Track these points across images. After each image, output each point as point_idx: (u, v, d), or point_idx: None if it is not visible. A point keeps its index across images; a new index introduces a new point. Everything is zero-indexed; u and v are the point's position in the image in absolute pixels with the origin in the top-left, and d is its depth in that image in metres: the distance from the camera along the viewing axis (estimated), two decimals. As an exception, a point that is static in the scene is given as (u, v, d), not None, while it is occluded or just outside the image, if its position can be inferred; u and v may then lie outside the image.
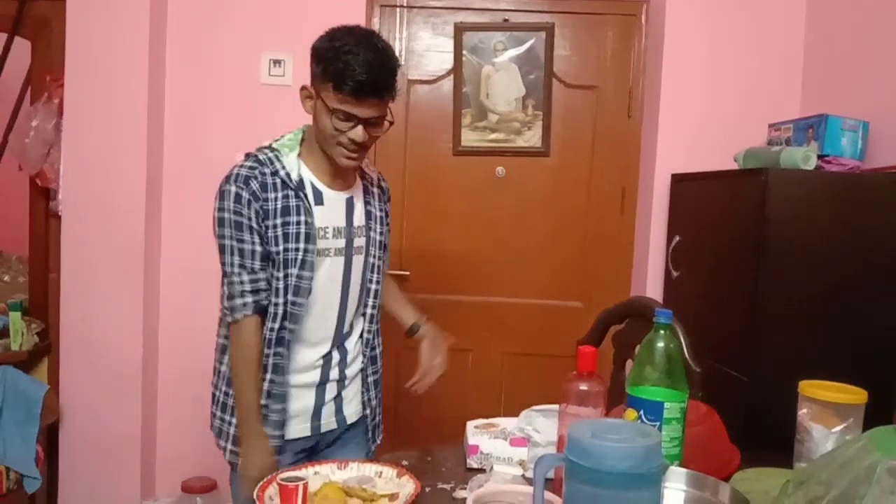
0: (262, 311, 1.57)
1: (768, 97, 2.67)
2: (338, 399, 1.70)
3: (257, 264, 1.55)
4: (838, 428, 1.23)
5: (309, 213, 1.56)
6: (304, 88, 1.56)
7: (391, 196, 1.86)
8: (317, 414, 1.67)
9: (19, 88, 2.97)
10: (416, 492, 1.17)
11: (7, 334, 2.78)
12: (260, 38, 2.78)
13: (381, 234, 1.72)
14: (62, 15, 2.68)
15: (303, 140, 1.62)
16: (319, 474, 1.26)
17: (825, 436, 1.24)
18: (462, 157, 2.90)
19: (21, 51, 2.95)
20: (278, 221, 1.54)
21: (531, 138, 2.87)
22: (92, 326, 2.73)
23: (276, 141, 1.61)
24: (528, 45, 2.84)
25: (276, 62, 2.77)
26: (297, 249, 1.55)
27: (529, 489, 1.05)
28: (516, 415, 1.49)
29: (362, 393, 1.75)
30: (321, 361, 1.66)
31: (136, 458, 2.78)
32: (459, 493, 1.25)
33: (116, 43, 2.67)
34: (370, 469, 1.29)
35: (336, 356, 1.68)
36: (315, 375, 1.66)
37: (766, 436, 1.46)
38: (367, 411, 1.76)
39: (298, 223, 1.55)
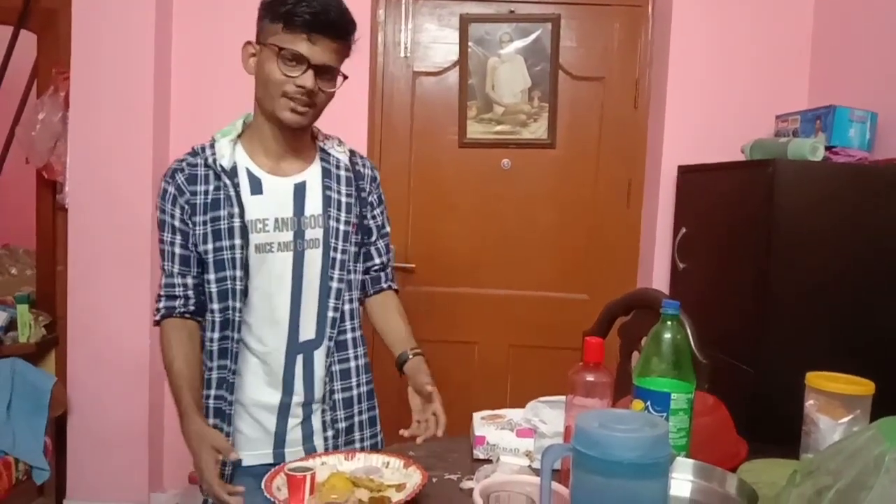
0: (187, 317, 1.45)
1: (776, 88, 2.66)
2: (306, 425, 1.51)
3: (175, 267, 1.44)
4: (845, 419, 1.23)
5: (238, 203, 1.40)
6: (247, 44, 1.43)
7: (380, 180, 1.63)
8: (280, 441, 1.49)
9: (26, 81, 2.98)
10: (422, 482, 1.18)
11: (15, 327, 2.80)
12: (265, 31, 2.77)
13: (345, 222, 1.48)
14: (68, 8, 2.68)
15: (246, 125, 1.49)
16: (327, 465, 1.26)
17: (832, 427, 1.23)
18: (467, 149, 2.89)
19: (27, 44, 2.96)
20: (207, 217, 1.41)
21: (537, 130, 2.87)
22: (99, 319, 2.74)
23: (221, 129, 1.49)
24: (534, 36, 2.83)
25: (282, 54, 2.76)
26: (230, 247, 1.39)
27: (536, 480, 1.05)
28: (523, 406, 1.49)
29: (324, 412, 1.51)
30: (281, 377, 1.47)
31: (144, 450, 2.80)
32: (466, 484, 1.26)
33: (122, 36, 2.68)
34: (377, 460, 1.30)
35: (300, 371, 1.48)
36: (274, 395, 1.48)
37: (772, 427, 1.45)
38: (329, 433, 1.51)
39: (228, 216, 1.40)
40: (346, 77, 1.41)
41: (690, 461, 1.10)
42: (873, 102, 2.18)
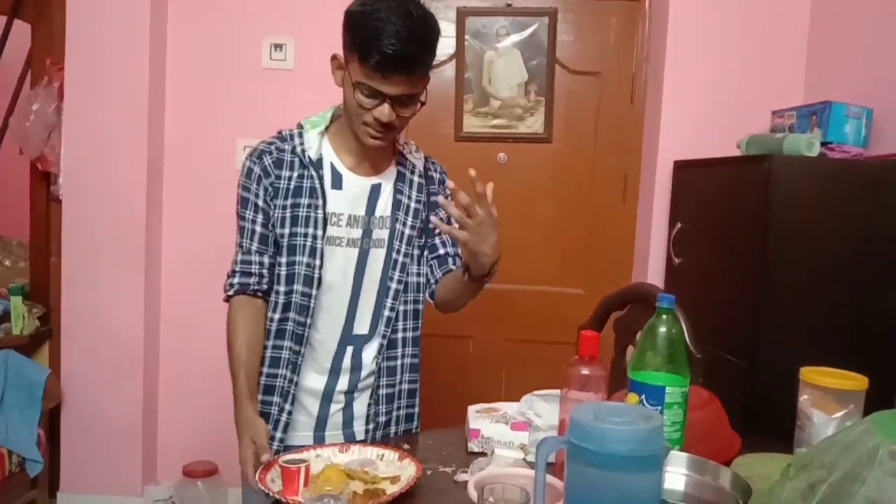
0: (258, 295, 1.48)
1: (772, 84, 2.66)
2: (347, 410, 1.54)
3: (253, 245, 1.47)
4: (839, 414, 1.23)
5: (321, 195, 1.44)
6: (334, 58, 1.41)
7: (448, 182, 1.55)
8: (321, 424, 1.53)
9: (19, 72, 2.96)
10: (417, 474, 1.18)
11: (8, 319, 2.78)
12: (261, 22, 2.76)
13: (410, 227, 1.52)
14: (63, -2, 2.67)
15: (335, 118, 1.51)
16: (321, 457, 1.26)
17: (826, 422, 1.23)
18: (464, 143, 2.89)
19: (21, 34, 2.94)
20: (288, 202, 1.45)
21: (533, 124, 2.86)
22: (93, 311, 2.74)
23: (309, 118, 1.51)
24: (530, 30, 2.82)
25: (278, 46, 2.75)
26: (305, 235, 1.44)
27: (530, 472, 1.05)
28: (517, 400, 1.49)
29: (369, 406, 1.54)
30: (329, 365, 1.51)
31: (138, 443, 2.79)
32: (461, 476, 1.26)
33: (117, 26, 2.66)
34: (372, 452, 1.29)
35: (348, 362, 1.52)
36: (320, 381, 1.51)
37: (766, 422, 1.46)
38: (370, 426, 1.54)
39: (309, 206, 1.44)
40: (423, 103, 1.41)
41: (684, 455, 1.10)
42: (869, 98, 2.19)
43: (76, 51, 2.68)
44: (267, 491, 1.12)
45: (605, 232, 2.91)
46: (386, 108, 1.34)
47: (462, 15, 2.83)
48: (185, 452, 2.71)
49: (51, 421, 2.74)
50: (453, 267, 1.59)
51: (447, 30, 2.85)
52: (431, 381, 2.87)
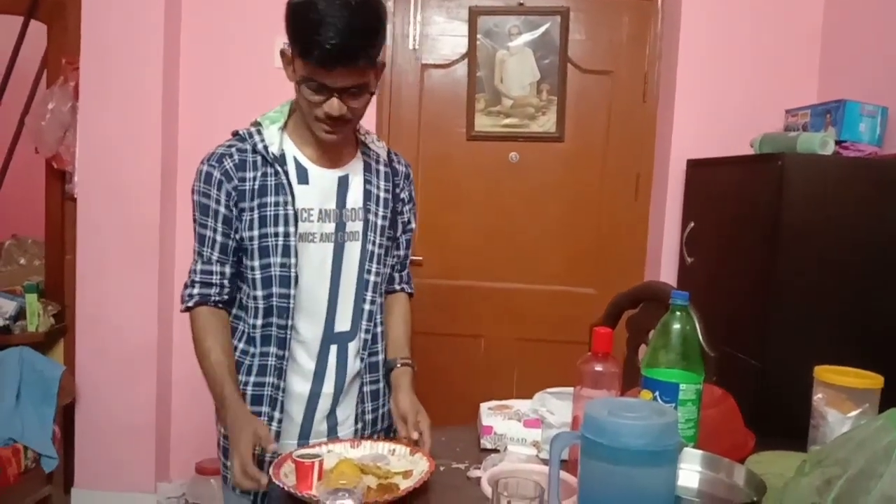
0: (219, 306, 1.44)
1: (785, 82, 2.65)
2: (331, 418, 1.50)
3: (214, 255, 1.42)
4: (854, 413, 1.23)
5: (289, 191, 1.39)
6: (283, 52, 1.35)
7: (413, 177, 1.63)
8: (305, 433, 1.48)
9: (35, 71, 2.99)
10: (430, 469, 1.18)
11: (24, 316, 2.81)
12: (274, 22, 2.70)
13: (382, 217, 1.49)
14: (78, -2, 2.69)
15: (292, 112, 1.45)
16: (333, 452, 1.27)
17: (840, 421, 1.23)
18: (476, 142, 2.89)
19: (37, 34, 2.96)
20: (255, 203, 1.39)
21: (545, 123, 2.86)
22: (107, 308, 2.76)
23: (266, 114, 1.46)
24: (542, 29, 2.82)
25: (291, 46, 2.76)
26: (276, 234, 1.39)
27: (544, 469, 1.05)
28: (529, 398, 1.49)
29: (357, 405, 1.51)
30: (313, 367, 1.47)
31: (151, 439, 2.81)
32: (473, 473, 1.26)
33: (132, 26, 2.68)
34: (383, 447, 1.30)
35: (332, 361, 1.48)
36: (304, 385, 1.47)
37: (780, 422, 1.45)
38: (360, 425, 1.51)
39: (277, 204, 1.38)
40: (372, 93, 1.37)
41: (698, 452, 1.10)
42: (884, 97, 2.17)
43: (91, 51, 2.70)
44: (281, 485, 1.12)
45: (618, 231, 2.91)
46: (335, 101, 1.30)
47: (474, 14, 2.83)
48: (198, 449, 2.72)
49: (66, 417, 2.77)
50: (397, 287, 1.62)
51: (459, 29, 2.86)
52: (443, 380, 2.89)
